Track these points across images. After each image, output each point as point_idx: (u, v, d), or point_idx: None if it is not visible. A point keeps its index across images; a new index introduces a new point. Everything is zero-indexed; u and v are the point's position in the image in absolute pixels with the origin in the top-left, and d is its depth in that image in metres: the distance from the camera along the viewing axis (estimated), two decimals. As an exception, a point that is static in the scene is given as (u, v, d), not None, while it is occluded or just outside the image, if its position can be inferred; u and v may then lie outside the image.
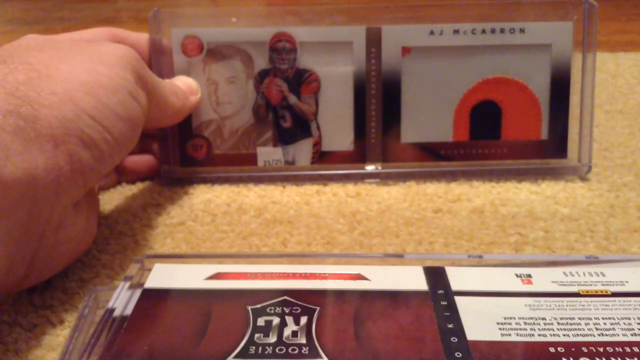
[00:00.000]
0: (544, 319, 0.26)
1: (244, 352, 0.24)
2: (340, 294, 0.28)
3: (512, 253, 0.35)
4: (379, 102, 0.44)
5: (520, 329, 0.26)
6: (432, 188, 0.43)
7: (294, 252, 0.36)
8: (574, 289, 0.28)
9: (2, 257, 0.26)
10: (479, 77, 0.44)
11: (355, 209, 0.40)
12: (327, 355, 0.24)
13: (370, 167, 0.45)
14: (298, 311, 0.27)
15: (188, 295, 0.28)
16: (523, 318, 0.26)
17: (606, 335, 0.25)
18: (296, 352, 0.24)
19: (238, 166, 0.45)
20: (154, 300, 0.28)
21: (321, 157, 0.45)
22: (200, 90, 0.44)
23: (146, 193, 0.43)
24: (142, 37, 0.43)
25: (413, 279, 0.29)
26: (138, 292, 0.28)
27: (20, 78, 0.29)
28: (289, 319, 0.26)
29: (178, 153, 0.45)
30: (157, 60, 0.43)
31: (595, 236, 0.37)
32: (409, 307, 0.27)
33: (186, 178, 0.45)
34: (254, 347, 0.25)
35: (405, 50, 0.43)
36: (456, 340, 0.25)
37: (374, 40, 0.43)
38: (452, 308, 0.27)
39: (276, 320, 0.26)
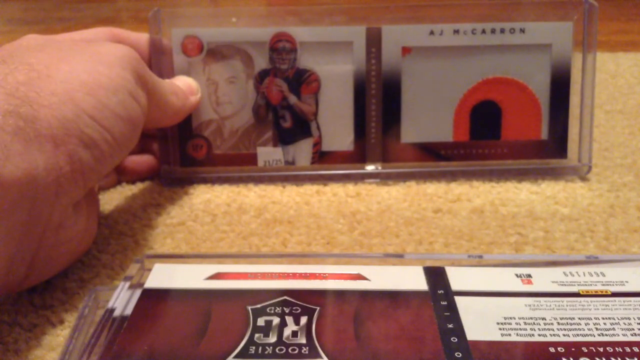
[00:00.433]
0: (544, 319, 0.26)
1: (244, 352, 0.24)
2: (340, 294, 0.28)
3: (512, 253, 0.35)
4: (379, 102, 0.44)
5: (520, 329, 0.26)
6: (432, 188, 0.43)
7: (294, 252, 0.36)
8: (574, 289, 0.28)
9: (3, 257, 0.26)
10: (479, 77, 0.44)
11: (355, 209, 0.40)
12: (327, 355, 0.24)
13: (370, 167, 0.45)
14: (298, 311, 0.27)
15: (188, 295, 0.28)
16: (523, 318, 0.26)
17: (606, 335, 0.25)
18: (296, 352, 0.24)
19: (238, 166, 0.45)
20: (154, 300, 0.28)
21: (321, 157, 0.45)
22: (200, 90, 0.44)
23: (146, 193, 0.43)
24: (142, 37, 0.43)
25: (413, 279, 0.29)
26: (138, 292, 0.28)
27: (20, 78, 0.29)
28: (289, 319, 0.26)
29: (178, 153, 0.45)
30: (157, 60, 0.43)
31: (595, 236, 0.37)
32: (409, 307, 0.27)
33: (186, 178, 0.45)
34: (254, 347, 0.25)
35: (406, 50, 0.43)
36: (456, 340, 0.25)
37: (374, 40, 0.43)
38: (452, 308, 0.27)
39: (276, 320, 0.26)
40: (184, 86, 0.42)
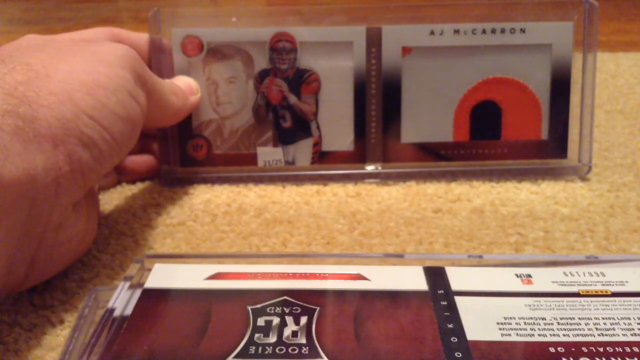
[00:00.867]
0: (544, 319, 0.26)
1: (244, 352, 0.24)
2: (340, 294, 0.28)
3: (512, 253, 0.35)
4: (379, 102, 0.44)
5: (520, 329, 0.26)
6: (432, 188, 0.43)
7: (294, 252, 0.36)
8: (574, 289, 0.28)
9: (3, 257, 0.26)
10: (479, 77, 0.44)
11: (355, 209, 0.40)
12: (327, 355, 0.24)
13: (370, 167, 0.45)
14: (298, 311, 0.27)
15: (188, 295, 0.28)
16: (523, 318, 0.26)
17: (606, 335, 0.25)
18: (296, 352, 0.24)
19: (238, 166, 0.45)
20: (154, 300, 0.28)
21: (321, 157, 0.45)
22: (200, 90, 0.44)
23: (146, 193, 0.43)
24: (142, 37, 0.43)
25: (413, 279, 0.29)
26: (138, 292, 0.28)
27: (19, 78, 0.29)
28: (289, 319, 0.26)
29: (178, 153, 0.45)
30: (157, 60, 0.43)
31: (595, 236, 0.37)
32: (409, 307, 0.27)
33: (186, 178, 0.45)
34: (254, 347, 0.25)
35: (406, 50, 0.43)
36: (456, 340, 0.25)
37: (374, 40, 0.43)
38: (452, 308, 0.27)
39: (276, 320, 0.26)
40: (184, 86, 0.42)
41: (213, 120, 0.44)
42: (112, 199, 0.42)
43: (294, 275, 0.29)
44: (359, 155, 0.45)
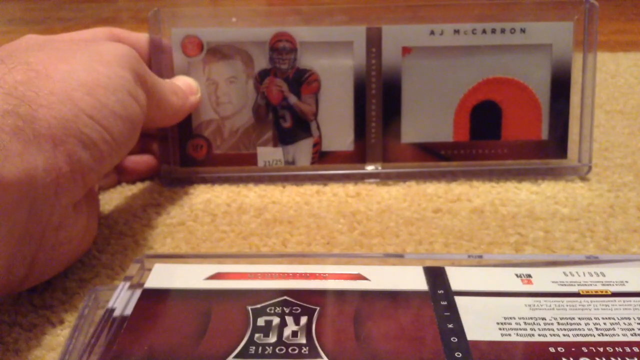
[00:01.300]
0: (544, 319, 0.26)
1: (244, 352, 0.24)
2: (340, 294, 0.28)
3: (512, 253, 0.35)
4: (379, 102, 0.44)
5: (520, 329, 0.26)
6: (432, 188, 0.43)
7: (294, 252, 0.36)
8: (574, 289, 0.28)
9: (3, 257, 0.26)
10: (479, 77, 0.44)
11: (355, 209, 0.40)
12: (327, 355, 0.24)
13: (370, 167, 0.45)
14: (298, 311, 0.27)
15: (188, 295, 0.28)
16: (523, 318, 0.26)
17: (606, 335, 0.25)
18: (296, 352, 0.24)
19: (238, 166, 0.45)
20: (154, 300, 0.28)
21: (321, 157, 0.45)
22: (200, 90, 0.44)
23: (146, 193, 0.43)
24: (142, 37, 0.43)
25: (413, 279, 0.29)
26: (138, 292, 0.28)
27: (19, 78, 0.29)
28: (289, 319, 0.26)
29: (178, 153, 0.45)
30: (157, 60, 0.43)
31: (595, 236, 0.37)
32: (409, 307, 0.27)
33: (186, 178, 0.45)
34: (254, 347, 0.25)
35: (406, 50, 0.43)
36: (456, 340, 0.25)
37: (374, 40, 0.43)
38: (452, 308, 0.27)
39: (276, 320, 0.26)
40: (184, 86, 0.42)
41: (213, 120, 0.44)
42: (112, 199, 0.42)
43: (294, 275, 0.29)
44: (359, 155, 0.45)
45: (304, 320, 0.26)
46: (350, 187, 0.44)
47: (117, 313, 0.27)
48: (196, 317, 0.26)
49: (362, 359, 0.24)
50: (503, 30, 0.43)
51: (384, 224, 0.38)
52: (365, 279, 0.29)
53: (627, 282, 0.29)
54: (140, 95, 0.34)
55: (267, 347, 0.25)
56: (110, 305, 0.28)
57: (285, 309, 0.27)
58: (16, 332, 0.29)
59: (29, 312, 0.30)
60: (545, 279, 0.29)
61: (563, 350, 0.24)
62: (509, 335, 0.25)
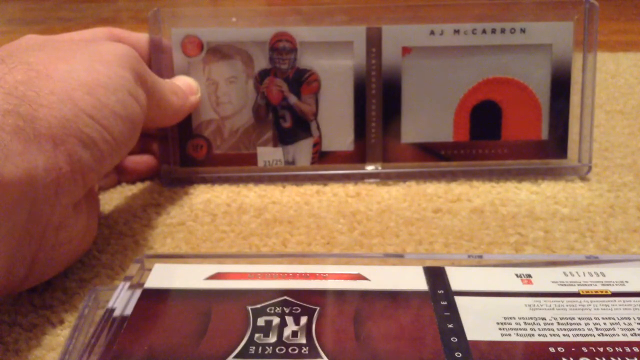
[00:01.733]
0: (544, 319, 0.26)
1: (244, 352, 0.24)
2: (340, 294, 0.28)
3: (512, 253, 0.35)
4: (379, 102, 0.44)
5: (520, 329, 0.26)
6: (432, 188, 0.43)
7: (294, 252, 0.36)
8: (574, 289, 0.28)
9: (3, 257, 0.26)
10: (479, 77, 0.44)
11: (355, 209, 0.40)
12: (327, 355, 0.24)
13: (370, 167, 0.45)
14: (298, 311, 0.27)
15: (188, 295, 0.28)
16: (523, 318, 0.26)
17: (606, 335, 0.25)
18: (296, 352, 0.24)
19: (238, 166, 0.45)
20: (154, 300, 0.28)
21: (321, 157, 0.45)
22: (200, 90, 0.44)
23: (146, 193, 0.43)
24: (142, 37, 0.43)
25: (413, 279, 0.29)
26: (138, 292, 0.28)
27: (19, 77, 0.29)
28: (289, 319, 0.26)
29: (178, 153, 0.45)
30: (157, 60, 0.43)
31: (595, 236, 0.37)
32: (409, 307, 0.27)
33: (186, 178, 0.45)
34: (254, 347, 0.25)
35: (406, 50, 0.43)
36: (456, 340, 0.25)
37: (374, 40, 0.43)
38: (452, 308, 0.27)
39: (276, 320, 0.26)
40: (184, 86, 0.42)
41: (213, 120, 0.44)
42: (112, 199, 0.42)
43: (294, 275, 0.29)
44: (359, 155, 0.45)
45: (304, 320, 0.26)
46: (350, 187, 0.44)
47: (117, 313, 0.27)
48: (196, 317, 0.26)
49: (362, 359, 0.24)
50: (503, 30, 0.43)
51: (384, 224, 0.38)
52: (365, 279, 0.29)
53: (627, 282, 0.29)
54: (140, 95, 0.34)
55: (267, 347, 0.25)
56: (110, 305, 0.28)
57: (285, 309, 0.27)
58: (16, 332, 0.29)
59: (29, 312, 0.30)
60: (545, 279, 0.29)
61: (563, 350, 0.24)
62: (509, 335, 0.25)
